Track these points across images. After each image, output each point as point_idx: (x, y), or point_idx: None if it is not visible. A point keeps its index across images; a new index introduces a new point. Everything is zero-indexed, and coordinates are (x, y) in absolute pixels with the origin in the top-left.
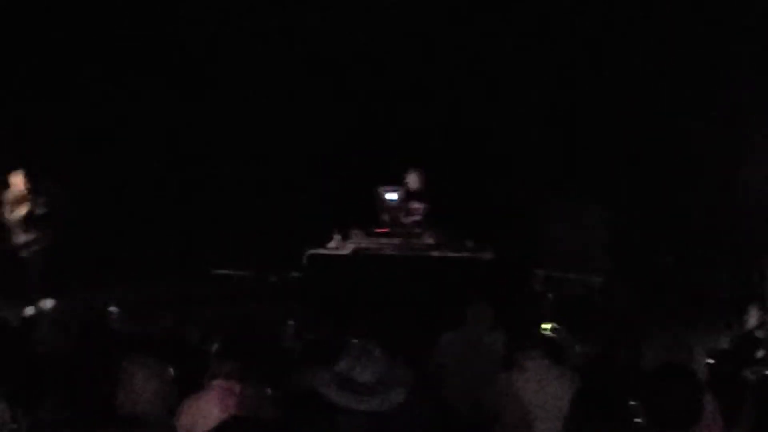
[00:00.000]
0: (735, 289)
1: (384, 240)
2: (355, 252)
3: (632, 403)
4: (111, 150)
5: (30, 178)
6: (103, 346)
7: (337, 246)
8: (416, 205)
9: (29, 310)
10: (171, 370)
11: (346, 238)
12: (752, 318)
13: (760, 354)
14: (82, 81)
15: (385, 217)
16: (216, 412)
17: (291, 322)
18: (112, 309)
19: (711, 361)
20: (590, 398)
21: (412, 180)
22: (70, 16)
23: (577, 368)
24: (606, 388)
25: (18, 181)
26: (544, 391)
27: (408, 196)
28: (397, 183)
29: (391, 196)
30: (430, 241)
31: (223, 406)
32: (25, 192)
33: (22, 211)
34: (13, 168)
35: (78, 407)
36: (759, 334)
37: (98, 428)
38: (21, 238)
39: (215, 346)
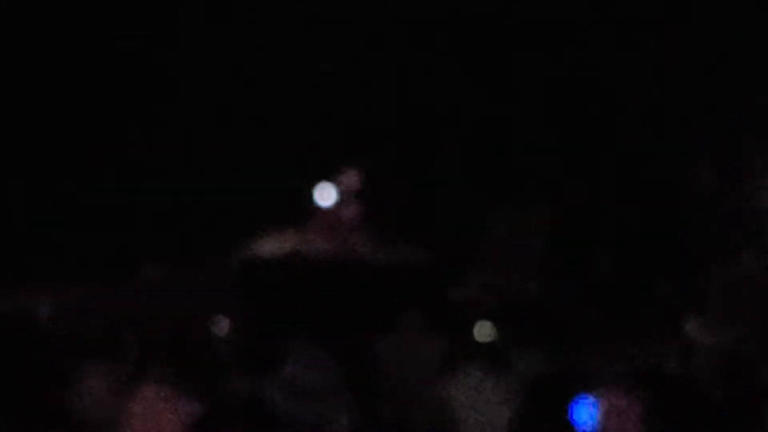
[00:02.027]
0: (675, 297)
1: (317, 242)
2: (289, 255)
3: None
4: (32, 141)
5: None
6: (39, 350)
7: (270, 247)
8: (351, 205)
9: None
10: (122, 374)
11: (278, 239)
12: (692, 327)
13: (698, 362)
14: None
15: (319, 218)
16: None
17: (221, 317)
18: (43, 310)
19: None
20: (537, 412)
21: (347, 179)
22: None
23: (519, 378)
24: (554, 401)
25: None
26: (482, 401)
27: (343, 196)
28: (331, 181)
29: (326, 195)
30: (364, 243)
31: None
32: None
33: None
34: None
35: (27, 415)
36: (698, 343)
37: None
38: None
39: (144, 347)
